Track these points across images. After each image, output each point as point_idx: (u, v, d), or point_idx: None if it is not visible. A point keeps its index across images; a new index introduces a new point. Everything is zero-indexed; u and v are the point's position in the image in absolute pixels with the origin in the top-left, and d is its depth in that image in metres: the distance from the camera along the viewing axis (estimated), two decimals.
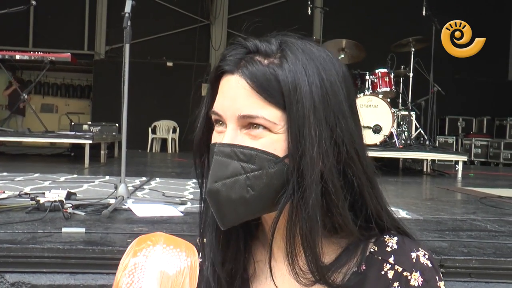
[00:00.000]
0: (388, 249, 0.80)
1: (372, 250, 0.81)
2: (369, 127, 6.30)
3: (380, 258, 0.80)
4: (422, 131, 7.54)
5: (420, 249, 0.80)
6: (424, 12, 7.10)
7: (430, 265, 0.79)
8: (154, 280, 0.75)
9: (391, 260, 0.79)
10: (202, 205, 0.86)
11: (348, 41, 7.11)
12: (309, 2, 7.56)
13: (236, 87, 0.75)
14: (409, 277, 0.78)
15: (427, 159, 6.98)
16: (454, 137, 11.16)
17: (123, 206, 2.79)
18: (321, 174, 0.73)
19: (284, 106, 0.74)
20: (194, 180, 4.50)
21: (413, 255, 0.79)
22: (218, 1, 12.00)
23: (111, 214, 2.53)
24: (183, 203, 3.07)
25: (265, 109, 0.74)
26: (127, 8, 2.95)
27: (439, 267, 0.81)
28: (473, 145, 11.01)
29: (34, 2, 5.99)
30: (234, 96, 0.75)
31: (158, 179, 4.55)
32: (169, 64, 11.59)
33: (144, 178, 4.52)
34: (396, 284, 0.78)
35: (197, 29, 11.96)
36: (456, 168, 6.56)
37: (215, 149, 0.75)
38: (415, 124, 7.61)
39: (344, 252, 0.80)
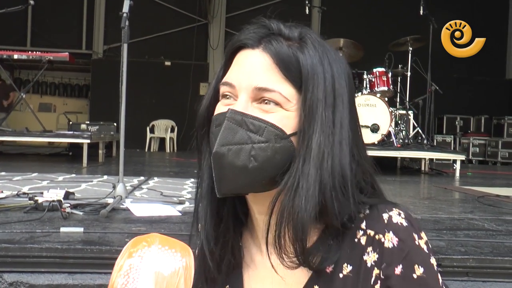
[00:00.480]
0: (361, 215, 0.81)
1: (344, 220, 0.81)
2: (367, 126, 6.30)
3: (352, 225, 0.80)
4: (420, 130, 7.55)
5: (393, 209, 0.80)
6: (421, 11, 7.11)
7: (405, 223, 0.78)
8: (149, 281, 0.76)
9: (363, 225, 0.80)
10: (199, 179, 0.87)
11: (346, 40, 7.11)
12: (306, 2, 7.57)
13: (257, 60, 0.78)
14: (382, 239, 0.77)
15: (425, 158, 6.99)
16: (452, 136, 11.17)
17: (121, 206, 2.80)
18: (323, 155, 0.76)
19: (299, 86, 0.78)
20: (192, 180, 4.50)
21: (385, 216, 0.79)
22: (216, 0, 12.00)
23: (109, 213, 2.54)
24: (181, 202, 3.07)
25: (283, 84, 0.77)
26: (125, 8, 2.96)
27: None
28: (471, 144, 11.02)
29: (32, 2, 5.99)
30: (253, 68, 0.78)
31: (156, 179, 4.55)
32: (167, 63, 11.58)
33: (142, 178, 4.53)
34: (369, 249, 0.78)
35: (195, 28, 11.95)
36: (454, 167, 6.57)
37: (227, 114, 0.77)
38: (413, 123, 7.62)
39: (322, 235, 0.81)
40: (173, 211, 2.74)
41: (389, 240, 0.77)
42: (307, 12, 7.54)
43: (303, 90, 0.77)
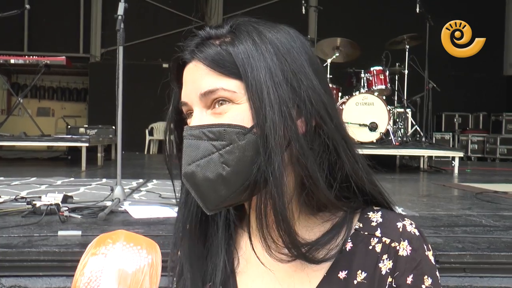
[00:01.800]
0: (373, 223, 0.80)
1: (357, 227, 0.81)
2: (365, 125, 6.31)
3: (366, 233, 0.80)
4: (418, 128, 7.56)
5: (405, 219, 0.81)
6: (418, 9, 7.12)
7: (417, 233, 0.79)
8: (112, 278, 0.75)
9: (377, 233, 0.80)
10: (180, 198, 0.87)
11: (342, 40, 7.13)
12: (303, 1, 7.57)
13: (194, 70, 0.78)
14: (397, 247, 0.78)
15: (423, 156, 7.00)
16: (451, 133, 11.17)
17: (119, 208, 2.80)
18: (285, 137, 0.73)
19: (240, 76, 0.75)
20: None
21: (399, 225, 0.79)
22: (213, 1, 12.01)
23: (108, 216, 2.54)
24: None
25: (223, 80, 0.76)
26: (120, 11, 2.96)
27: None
28: (469, 141, 11.03)
29: (28, 6, 6.01)
30: (194, 79, 0.78)
31: (155, 181, 4.56)
32: (165, 65, 11.57)
33: (141, 180, 4.53)
34: (385, 256, 0.78)
35: (192, 30, 11.95)
36: (453, 164, 6.57)
37: (184, 133, 0.76)
38: (411, 121, 7.63)
39: (328, 231, 0.80)
40: (171, 212, 2.74)
41: (404, 248, 0.78)
42: (303, 12, 7.53)
43: (243, 78, 0.75)
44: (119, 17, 2.93)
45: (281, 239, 0.75)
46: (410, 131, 7.48)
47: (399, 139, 6.78)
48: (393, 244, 0.78)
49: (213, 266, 0.84)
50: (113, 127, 7.76)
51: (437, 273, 0.79)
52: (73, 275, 1.85)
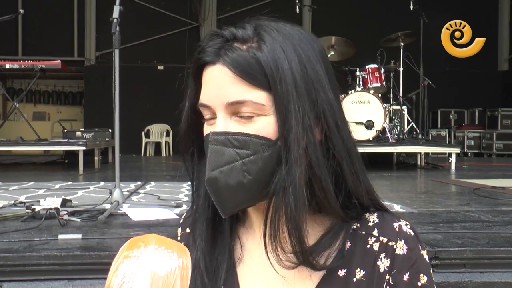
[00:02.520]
0: (370, 223, 0.83)
1: (354, 227, 0.83)
2: (361, 123, 6.32)
3: (364, 233, 0.82)
4: (414, 125, 7.58)
5: (401, 219, 0.83)
6: (411, 6, 7.14)
7: (412, 233, 0.82)
8: (145, 281, 0.76)
9: (375, 233, 0.82)
10: (194, 194, 0.88)
11: (337, 38, 7.14)
12: (297, 1, 7.58)
13: (220, 75, 0.76)
14: (394, 246, 0.80)
15: (420, 153, 7.01)
16: (447, 129, 11.21)
17: (118, 211, 2.80)
18: (306, 149, 0.74)
19: (268, 87, 0.75)
20: (189, 183, 4.49)
21: (395, 225, 0.82)
22: (207, 2, 12.00)
23: (107, 219, 2.54)
24: (178, 205, 3.07)
25: (251, 92, 0.75)
26: (115, 14, 2.96)
27: (433, 258, 0.84)
28: (465, 137, 11.07)
29: (22, 11, 6.01)
30: (219, 85, 0.77)
31: (153, 183, 4.56)
32: (160, 67, 11.58)
33: (139, 182, 4.53)
34: (382, 255, 0.80)
35: (187, 32, 11.95)
36: (450, 161, 6.59)
37: (210, 138, 0.77)
38: (407, 118, 7.65)
39: (327, 233, 0.82)
40: (170, 214, 2.74)
41: (401, 247, 0.80)
42: (297, 11, 7.54)
43: (272, 89, 0.75)
44: (115, 20, 2.93)
45: (290, 246, 0.77)
46: (406, 128, 7.50)
47: (396, 136, 6.80)
48: (390, 243, 0.80)
49: (218, 263, 0.85)
50: (110, 130, 7.76)
51: (431, 271, 0.82)
52: (74, 279, 1.85)
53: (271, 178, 0.76)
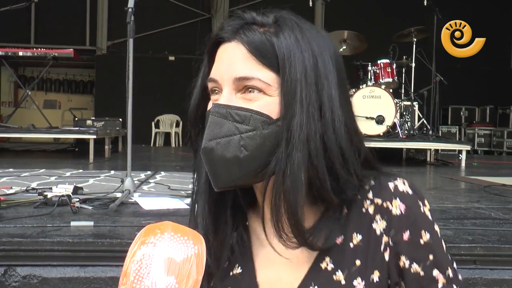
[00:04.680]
0: (367, 187, 0.82)
1: None
2: (372, 118, 6.30)
3: (359, 197, 0.82)
4: (425, 121, 7.54)
5: (398, 178, 0.82)
6: (425, 2, 7.09)
7: (410, 191, 0.81)
8: (162, 267, 0.78)
9: (370, 196, 0.82)
10: (195, 173, 0.89)
11: (350, 32, 7.10)
12: None
13: (233, 51, 0.79)
14: (389, 207, 0.80)
15: (430, 149, 6.98)
16: (457, 126, 11.14)
17: (129, 200, 2.82)
18: (308, 136, 0.76)
19: (278, 70, 0.77)
20: None
21: (391, 185, 0.81)
22: None
23: (118, 207, 2.56)
24: (188, 196, 3.09)
25: (261, 71, 0.77)
26: (130, 3, 2.96)
27: None
28: (476, 134, 11.00)
29: None
30: (231, 60, 0.79)
31: (163, 173, 4.58)
32: (171, 58, 11.59)
33: (149, 172, 4.55)
34: (378, 217, 0.80)
35: (198, 23, 11.94)
36: (460, 158, 6.56)
37: (211, 110, 0.78)
38: (418, 114, 7.61)
39: (323, 215, 0.83)
40: (181, 204, 2.76)
41: (397, 207, 0.79)
42: (310, 5, 7.51)
43: (281, 73, 0.77)
44: (130, 10, 2.93)
45: (291, 228, 0.78)
46: (417, 124, 7.46)
47: (406, 132, 6.77)
48: (385, 204, 0.80)
49: (222, 244, 0.86)
50: (120, 119, 7.79)
51: (435, 227, 0.80)
52: (86, 265, 1.88)
53: (267, 157, 0.77)
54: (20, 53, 7.20)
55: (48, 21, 12.02)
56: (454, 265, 0.83)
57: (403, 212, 0.79)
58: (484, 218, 2.58)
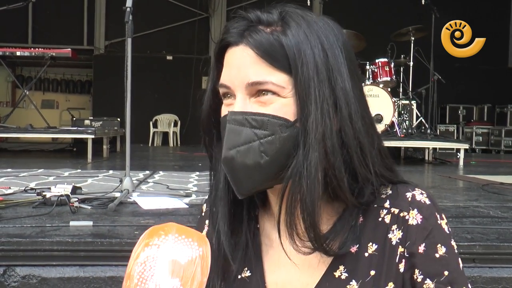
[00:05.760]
0: (383, 196, 0.80)
1: None
2: None
3: (375, 206, 0.80)
4: (423, 120, 7.55)
5: (416, 188, 0.80)
6: (423, 1, 7.09)
7: (428, 202, 0.78)
8: (166, 269, 0.76)
9: (386, 205, 0.80)
10: (212, 178, 0.88)
11: (348, 31, 7.08)
12: None
13: (242, 56, 0.77)
14: (406, 217, 0.77)
15: (428, 148, 6.99)
16: (455, 125, 11.16)
17: (128, 200, 2.82)
18: (324, 134, 0.74)
19: (289, 70, 0.76)
20: (198, 173, 4.52)
21: (408, 194, 0.79)
22: None
23: (117, 207, 2.56)
24: (187, 195, 3.09)
25: (272, 74, 0.76)
26: (129, 3, 2.96)
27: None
28: (474, 133, 11.02)
29: None
30: (241, 65, 0.77)
31: (161, 172, 4.58)
32: (169, 57, 11.58)
33: (147, 172, 4.55)
34: (394, 227, 0.78)
35: (196, 22, 11.94)
36: (458, 156, 6.57)
37: (228, 118, 0.77)
38: (416, 113, 7.62)
39: (340, 219, 0.81)
40: (180, 203, 2.76)
41: (414, 217, 0.77)
42: (308, 4, 7.50)
43: (293, 73, 0.75)
44: (128, 9, 2.93)
45: (306, 232, 0.76)
46: (415, 123, 7.47)
47: (404, 131, 6.77)
48: (402, 214, 0.77)
49: (237, 248, 0.86)
50: (118, 119, 7.78)
51: (452, 242, 0.78)
52: (86, 265, 1.87)
53: (287, 160, 0.76)
54: (18, 53, 7.18)
55: (46, 20, 12.00)
56: (469, 285, 0.79)
57: (419, 222, 0.76)
58: (482, 217, 2.58)
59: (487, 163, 7.69)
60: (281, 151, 0.75)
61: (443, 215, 0.79)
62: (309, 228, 0.76)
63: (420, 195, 0.79)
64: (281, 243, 0.82)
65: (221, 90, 0.81)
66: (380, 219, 0.80)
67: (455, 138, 10.60)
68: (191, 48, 11.63)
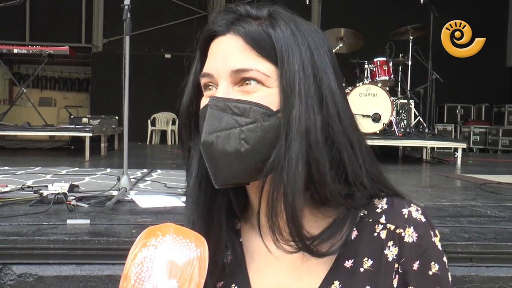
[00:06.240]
0: (378, 210, 0.80)
1: (362, 214, 0.81)
2: (368, 116, 6.31)
3: (371, 220, 0.80)
4: (421, 119, 7.56)
5: (412, 205, 0.80)
6: (421, 0, 7.09)
7: (423, 219, 0.79)
8: (163, 270, 0.76)
9: (382, 220, 0.79)
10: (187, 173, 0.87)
11: (346, 30, 7.11)
12: None
13: (228, 44, 0.77)
14: (402, 234, 0.77)
15: (426, 147, 6.99)
16: (453, 124, 11.17)
17: (126, 198, 2.81)
18: (307, 128, 0.74)
19: (275, 61, 0.76)
20: None
21: (405, 211, 0.79)
22: None
23: (115, 205, 2.55)
24: (185, 194, 3.08)
25: (259, 62, 0.76)
26: (127, 0, 2.95)
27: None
28: (471, 133, 11.03)
29: None
30: (227, 53, 0.77)
31: (159, 171, 4.57)
32: (167, 56, 11.57)
33: (145, 170, 4.54)
34: (390, 243, 0.78)
35: (195, 21, 11.92)
36: (456, 156, 6.58)
37: (209, 102, 0.76)
38: (414, 112, 7.63)
39: (332, 224, 0.80)
40: (178, 202, 2.75)
41: (409, 235, 0.77)
42: (307, 3, 7.50)
43: (279, 65, 0.75)
44: (126, 7, 2.92)
45: (287, 229, 0.76)
46: (413, 122, 7.48)
47: (402, 130, 6.78)
48: (398, 231, 0.77)
49: (213, 247, 0.83)
50: (116, 117, 7.77)
51: (444, 258, 0.79)
52: (82, 263, 1.87)
53: (268, 151, 0.75)
54: (15, 50, 7.16)
55: (44, 18, 11.98)
56: None
57: (415, 240, 0.77)
58: (480, 216, 2.58)
59: (484, 162, 7.70)
60: (262, 140, 0.75)
61: (437, 232, 0.80)
62: (291, 223, 0.75)
63: (416, 212, 0.79)
64: (264, 243, 0.81)
65: (204, 81, 0.80)
66: (375, 234, 0.79)
67: (453, 137, 10.61)
68: (190, 46, 11.58)
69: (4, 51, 7.20)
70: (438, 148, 7.88)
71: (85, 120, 7.68)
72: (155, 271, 0.76)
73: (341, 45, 6.97)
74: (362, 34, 7.18)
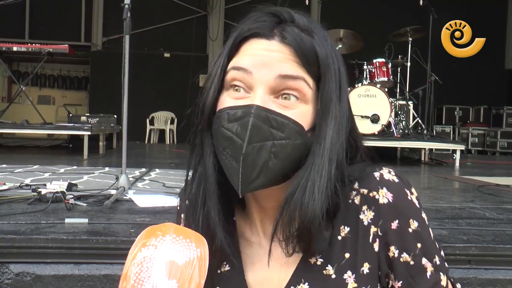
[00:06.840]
0: (351, 178, 0.81)
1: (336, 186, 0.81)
2: (367, 117, 6.31)
3: (345, 187, 0.80)
4: (419, 121, 7.56)
5: (383, 168, 0.81)
6: (421, 2, 7.09)
7: (396, 180, 0.79)
8: (163, 270, 0.76)
9: (355, 186, 0.80)
10: (201, 168, 0.85)
11: (346, 31, 7.10)
12: None
13: (276, 51, 0.75)
14: (376, 196, 0.78)
15: (424, 149, 7.00)
16: (451, 126, 11.17)
17: (124, 197, 2.80)
18: (336, 151, 0.76)
19: (317, 78, 0.76)
20: None
21: (376, 174, 0.80)
22: None
23: (113, 204, 2.54)
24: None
25: (305, 73, 0.76)
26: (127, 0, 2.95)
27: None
28: (470, 134, 11.04)
29: None
30: (271, 58, 0.75)
31: (157, 170, 4.56)
32: (166, 55, 11.56)
33: (143, 169, 4.53)
34: (365, 207, 0.79)
35: (194, 20, 11.91)
36: (454, 157, 6.58)
37: (253, 111, 0.74)
38: (413, 114, 7.63)
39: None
40: (176, 201, 2.74)
41: (384, 196, 0.78)
42: (306, 3, 7.50)
43: (321, 83, 0.76)
44: (126, 6, 2.92)
45: (296, 239, 0.77)
46: (411, 123, 7.48)
47: (401, 131, 6.78)
48: (371, 194, 0.78)
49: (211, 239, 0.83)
50: (115, 116, 7.75)
51: (423, 215, 0.79)
52: (80, 263, 1.86)
53: (292, 166, 0.76)
54: (15, 48, 7.14)
55: (43, 16, 11.96)
56: (442, 253, 0.82)
57: (390, 201, 0.77)
58: (478, 218, 2.58)
59: (482, 164, 7.70)
60: (289, 157, 0.75)
61: (413, 190, 0.80)
62: (306, 236, 0.76)
63: (388, 174, 0.80)
64: (256, 238, 0.83)
65: (234, 75, 0.77)
66: (350, 201, 0.80)
67: (451, 139, 10.61)
68: (189, 46, 11.60)
69: (4, 48, 7.18)
70: (436, 149, 7.88)
71: (83, 118, 7.66)
72: (155, 271, 0.76)
73: (340, 46, 6.97)
74: (361, 35, 7.18)
